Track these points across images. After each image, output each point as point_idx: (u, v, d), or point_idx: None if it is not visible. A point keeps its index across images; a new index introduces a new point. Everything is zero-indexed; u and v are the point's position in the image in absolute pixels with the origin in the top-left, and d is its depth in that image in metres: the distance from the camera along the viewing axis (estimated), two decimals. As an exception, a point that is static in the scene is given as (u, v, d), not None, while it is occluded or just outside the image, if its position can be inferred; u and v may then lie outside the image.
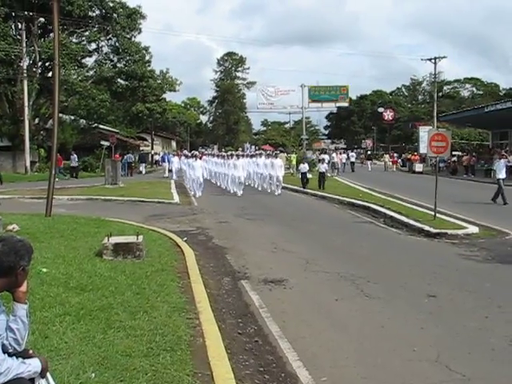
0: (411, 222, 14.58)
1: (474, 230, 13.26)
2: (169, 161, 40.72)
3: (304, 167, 27.16)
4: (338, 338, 6.08)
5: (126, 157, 44.21)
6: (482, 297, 7.66)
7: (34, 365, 3.11)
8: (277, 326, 6.31)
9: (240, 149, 58.93)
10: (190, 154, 31.57)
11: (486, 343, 5.77)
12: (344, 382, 4.89)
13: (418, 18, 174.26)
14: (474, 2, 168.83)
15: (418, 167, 44.93)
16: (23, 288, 3.21)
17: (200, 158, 27.68)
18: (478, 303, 7.34)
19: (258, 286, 8.20)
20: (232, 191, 24.78)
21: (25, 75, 37.47)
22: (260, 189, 26.91)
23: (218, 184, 29.65)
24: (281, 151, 42.77)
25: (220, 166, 28.93)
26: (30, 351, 3.30)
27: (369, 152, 71.93)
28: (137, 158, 49.59)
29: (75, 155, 38.00)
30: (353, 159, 48.58)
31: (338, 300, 7.46)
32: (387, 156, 54.89)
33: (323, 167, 27.06)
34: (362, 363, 5.30)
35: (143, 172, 45.79)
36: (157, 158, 58.81)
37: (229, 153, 32.72)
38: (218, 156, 32.43)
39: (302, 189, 26.31)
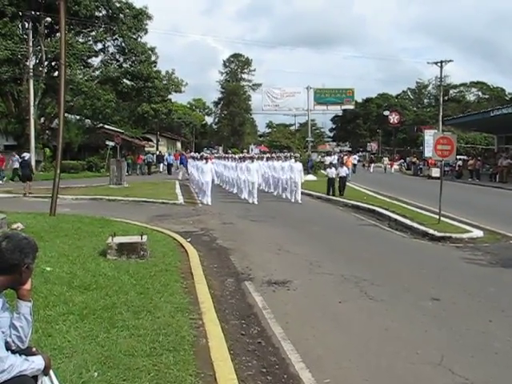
0: (415, 225, 14.55)
1: (478, 233, 13.24)
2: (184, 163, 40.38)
3: (331, 172, 24.12)
4: (341, 340, 6.07)
5: (146, 156, 47.36)
6: (486, 301, 7.63)
7: (37, 362, 3.12)
8: (280, 328, 6.31)
9: (245, 151, 58.95)
10: (198, 156, 28.53)
11: (490, 347, 5.75)
12: (347, 384, 4.88)
13: (423, 22, 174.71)
14: (479, 6, 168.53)
15: (435, 172, 40.59)
16: (27, 286, 3.22)
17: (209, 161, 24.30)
18: (482, 307, 7.32)
19: (261, 287, 8.19)
20: (243, 198, 22.46)
21: (31, 74, 37.54)
22: (275, 194, 24.78)
23: (227, 188, 27.54)
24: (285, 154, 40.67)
25: (231, 170, 26.34)
26: (33, 349, 3.31)
27: (371, 156, 72.57)
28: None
29: (17, 156, 33.06)
30: (355, 161, 49.05)
31: (342, 302, 7.44)
32: (386, 159, 57.88)
33: (344, 171, 24.37)
34: (366, 365, 5.29)
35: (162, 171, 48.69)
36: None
37: (242, 155, 30.77)
38: (228, 158, 29.65)
39: (325, 195, 23.63)
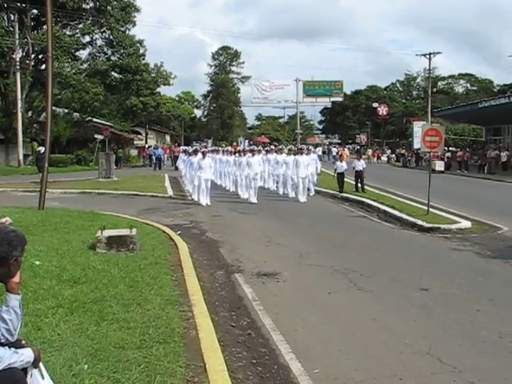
0: (404, 216, 14.64)
1: (466, 224, 13.34)
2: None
3: (341, 166, 21.50)
4: (330, 330, 6.11)
5: (148, 150, 48.04)
6: (474, 290, 7.71)
7: (26, 354, 3.12)
8: (270, 319, 6.34)
9: (234, 143, 58.76)
10: (191, 150, 24.40)
11: (477, 336, 5.82)
12: (336, 373, 4.92)
13: (411, 14, 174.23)
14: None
15: (439, 165, 37.49)
16: (16, 278, 3.21)
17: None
18: (470, 297, 7.39)
19: (251, 279, 8.22)
20: (243, 196, 20.11)
21: (18, 67, 37.27)
22: (281, 193, 21.80)
23: (224, 186, 24.75)
24: (275, 146, 38.61)
25: (228, 165, 23.52)
26: (23, 341, 3.31)
27: (358, 147, 73.55)
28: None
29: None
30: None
31: (331, 293, 7.48)
32: (370, 150, 59.81)
33: (360, 165, 21.57)
34: (355, 355, 5.33)
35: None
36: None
37: (241, 147, 28.67)
38: (223, 152, 26.55)
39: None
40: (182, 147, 40.35)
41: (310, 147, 31.27)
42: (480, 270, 9.01)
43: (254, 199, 19.11)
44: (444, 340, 5.73)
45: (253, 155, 20.44)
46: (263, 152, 25.13)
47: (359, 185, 21.27)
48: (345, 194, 20.34)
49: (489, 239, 11.88)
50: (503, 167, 35.10)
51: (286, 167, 20.98)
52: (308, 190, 20.50)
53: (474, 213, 15.01)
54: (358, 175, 21.39)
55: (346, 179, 21.47)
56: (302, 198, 19.54)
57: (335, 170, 21.96)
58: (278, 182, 22.72)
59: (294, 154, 21.49)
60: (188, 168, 22.31)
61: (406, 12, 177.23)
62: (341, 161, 22.33)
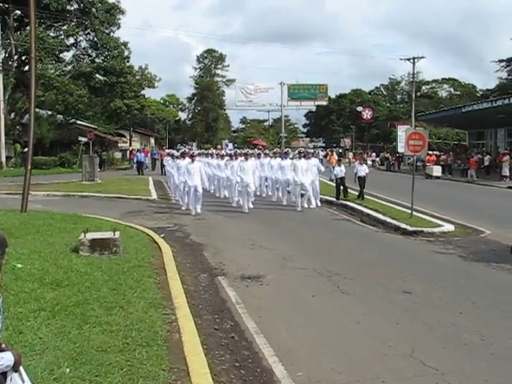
0: (388, 219, 14.73)
1: (449, 228, 13.46)
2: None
3: (340, 170, 20.22)
4: (314, 333, 6.11)
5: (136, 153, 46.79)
6: (457, 293, 7.76)
7: (6, 358, 3.07)
8: (253, 322, 6.33)
9: (219, 146, 58.61)
10: (178, 154, 21.86)
11: (460, 338, 5.86)
12: (319, 376, 4.92)
13: (394, 19, 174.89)
14: (449, 4, 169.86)
15: (436, 170, 35.64)
16: (-4, 281, 3.17)
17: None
18: (453, 299, 7.43)
19: (234, 282, 8.21)
20: (236, 204, 18.77)
21: (0, 69, 36.91)
22: (274, 199, 20.50)
23: (212, 191, 22.82)
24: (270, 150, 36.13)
25: (219, 170, 21.64)
26: (3, 345, 3.26)
27: (340, 151, 74.21)
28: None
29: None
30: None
31: (315, 296, 7.49)
32: (350, 154, 60.19)
33: (363, 170, 20.56)
34: (338, 358, 5.34)
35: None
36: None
37: (232, 151, 25.88)
38: (215, 156, 23.91)
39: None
40: (169, 150, 39.53)
41: (313, 150, 28.80)
42: (463, 273, 9.07)
43: (246, 207, 17.38)
44: (427, 342, 5.76)
45: (246, 159, 18.23)
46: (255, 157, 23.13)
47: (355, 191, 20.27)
48: (328, 198, 20.34)
49: (471, 242, 11.98)
50: (486, 171, 35.43)
51: (282, 172, 19.43)
52: (309, 200, 18.66)
53: (458, 216, 15.14)
54: (360, 181, 20.19)
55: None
56: (305, 205, 18.25)
57: (335, 175, 20.61)
58: (270, 187, 21.53)
59: (291, 158, 19.93)
60: (175, 173, 20.28)
61: (389, 17, 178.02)
62: (339, 165, 21.04)
